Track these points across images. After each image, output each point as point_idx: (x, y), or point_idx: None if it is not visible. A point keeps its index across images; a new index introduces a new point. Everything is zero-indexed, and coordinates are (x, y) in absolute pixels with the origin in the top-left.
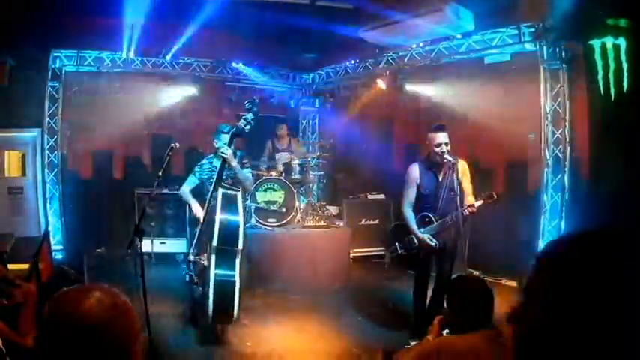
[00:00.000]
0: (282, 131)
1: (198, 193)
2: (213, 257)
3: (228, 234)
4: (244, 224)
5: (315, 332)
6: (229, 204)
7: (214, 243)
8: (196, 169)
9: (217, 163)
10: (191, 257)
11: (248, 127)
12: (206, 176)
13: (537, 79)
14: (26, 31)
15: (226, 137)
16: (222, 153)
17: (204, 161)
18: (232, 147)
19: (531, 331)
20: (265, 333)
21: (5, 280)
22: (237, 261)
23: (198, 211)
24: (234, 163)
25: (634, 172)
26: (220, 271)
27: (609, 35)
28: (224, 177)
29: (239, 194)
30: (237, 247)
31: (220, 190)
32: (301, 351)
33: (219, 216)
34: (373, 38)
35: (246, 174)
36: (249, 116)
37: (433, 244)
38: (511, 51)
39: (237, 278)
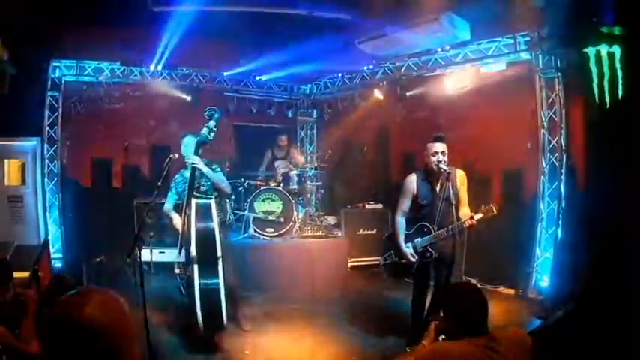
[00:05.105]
0: (283, 142)
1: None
2: (195, 267)
3: (206, 242)
4: (220, 231)
5: (313, 341)
6: (203, 212)
7: (193, 253)
8: (172, 185)
9: (188, 175)
10: (176, 269)
11: (212, 134)
12: (181, 189)
13: (533, 88)
14: (26, 40)
15: (191, 147)
16: (191, 163)
17: (177, 176)
18: (199, 154)
19: None
20: (263, 341)
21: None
22: (219, 268)
23: (178, 224)
24: (205, 169)
25: (630, 179)
26: (203, 280)
27: (604, 43)
28: (197, 185)
29: (213, 202)
30: (216, 254)
31: (194, 200)
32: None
33: (194, 226)
34: (370, 49)
35: (221, 176)
36: (212, 124)
37: (414, 260)
38: (507, 60)
39: (221, 285)
